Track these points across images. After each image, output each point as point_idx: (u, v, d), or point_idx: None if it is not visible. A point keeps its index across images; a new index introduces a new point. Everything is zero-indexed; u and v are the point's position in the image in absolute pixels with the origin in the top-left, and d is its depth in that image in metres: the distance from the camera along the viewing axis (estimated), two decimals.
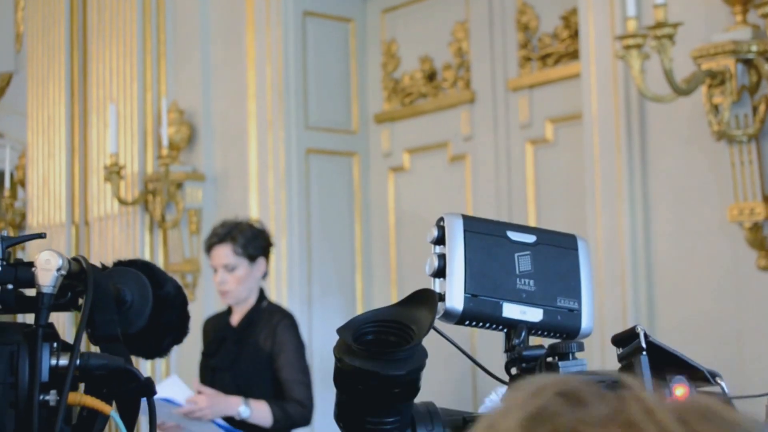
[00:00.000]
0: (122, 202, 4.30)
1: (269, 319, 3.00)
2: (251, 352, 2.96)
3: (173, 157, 4.23)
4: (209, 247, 3.05)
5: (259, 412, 2.85)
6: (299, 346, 2.99)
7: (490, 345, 3.33)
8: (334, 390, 0.97)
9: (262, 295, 3.06)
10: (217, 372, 3.00)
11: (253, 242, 3.01)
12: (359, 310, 4.16)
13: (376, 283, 4.23)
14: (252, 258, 3.00)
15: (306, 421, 2.93)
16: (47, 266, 0.91)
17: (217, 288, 3.06)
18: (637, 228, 2.99)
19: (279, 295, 3.96)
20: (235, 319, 3.06)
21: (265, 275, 3.08)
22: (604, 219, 3.05)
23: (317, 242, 4.14)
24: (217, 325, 3.11)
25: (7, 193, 5.03)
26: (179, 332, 1.10)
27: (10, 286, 0.94)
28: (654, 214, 2.97)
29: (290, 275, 4.03)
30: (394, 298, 4.08)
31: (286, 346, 2.95)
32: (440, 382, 3.48)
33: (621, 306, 2.97)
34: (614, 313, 2.97)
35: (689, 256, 2.89)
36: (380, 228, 4.24)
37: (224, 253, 2.99)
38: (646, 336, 0.82)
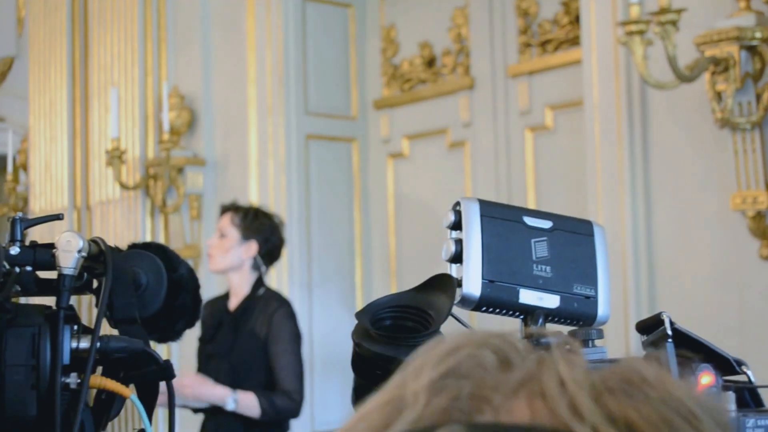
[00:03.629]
0: (123, 186, 4.29)
1: (266, 305, 2.99)
2: (247, 339, 2.96)
3: (174, 142, 4.22)
4: (220, 213, 3.11)
5: (246, 403, 2.87)
6: (295, 336, 2.98)
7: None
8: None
9: (259, 281, 3.04)
10: (213, 358, 2.99)
11: (252, 222, 3.01)
12: (359, 296, 4.16)
13: (375, 269, 4.23)
14: (245, 235, 3.00)
15: (294, 413, 2.94)
16: (68, 248, 0.91)
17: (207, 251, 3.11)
18: (639, 216, 2.99)
19: (279, 280, 3.96)
20: (233, 303, 3.05)
21: (257, 264, 3.02)
22: (604, 207, 3.05)
23: (317, 227, 4.14)
24: (214, 309, 3.10)
25: (9, 177, 5.01)
26: (192, 316, 1.11)
27: (28, 268, 0.93)
28: (656, 202, 2.98)
29: (290, 260, 4.02)
30: (394, 284, 4.09)
31: (281, 335, 2.95)
32: None
33: (622, 294, 2.98)
34: (615, 302, 2.95)
35: (691, 245, 2.90)
36: (379, 214, 4.24)
37: (224, 219, 3.05)
38: (671, 323, 0.82)
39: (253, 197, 4.01)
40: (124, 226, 4.36)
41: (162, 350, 4.15)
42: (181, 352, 4.11)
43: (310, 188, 4.14)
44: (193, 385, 2.85)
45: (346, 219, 4.22)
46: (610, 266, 3.18)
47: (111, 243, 1.05)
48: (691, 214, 2.89)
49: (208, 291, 3.72)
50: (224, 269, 3.04)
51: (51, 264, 0.93)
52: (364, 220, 4.25)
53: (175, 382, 3.15)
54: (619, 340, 2.83)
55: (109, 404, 0.96)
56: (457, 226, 1.05)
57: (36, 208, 4.79)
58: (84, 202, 4.63)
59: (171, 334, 1.09)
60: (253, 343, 2.95)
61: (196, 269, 3.82)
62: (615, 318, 2.92)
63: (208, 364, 2.99)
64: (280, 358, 2.92)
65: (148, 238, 4.26)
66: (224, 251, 3.00)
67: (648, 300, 2.96)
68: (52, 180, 4.74)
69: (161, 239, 4.29)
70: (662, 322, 0.83)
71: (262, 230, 3.02)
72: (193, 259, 4.16)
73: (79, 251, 0.92)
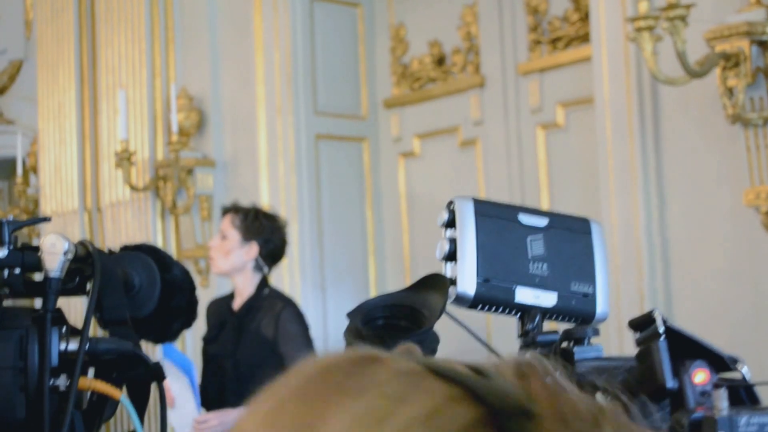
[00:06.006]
0: (133, 188, 4.30)
1: (271, 306, 2.99)
2: (252, 339, 2.96)
3: (183, 143, 4.22)
4: (222, 216, 3.12)
5: None
6: (305, 334, 2.98)
7: (507, 330, 3.32)
8: None
9: (264, 282, 3.04)
10: (217, 359, 2.99)
11: (253, 223, 3.01)
12: (372, 296, 4.15)
13: (388, 269, 4.22)
14: (246, 237, 2.99)
15: None
16: (53, 250, 0.90)
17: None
18: (652, 213, 2.96)
19: (292, 281, 3.96)
20: (237, 304, 3.05)
21: (259, 265, 3.01)
22: (618, 204, 3.03)
23: (328, 228, 4.13)
24: (218, 309, 3.10)
25: (19, 180, 5.03)
26: (188, 316, 1.10)
27: (17, 271, 0.93)
28: (668, 198, 2.95)
29: (302, 261, 4.02)
30: (408, 283, 4.06)
31: (291, 335, 2.94)
32: None
33: (637, 291, 2.95)
34: (630, 299, 2.95)
35: (704, 241, 2.87)
36: (391, 213, 4.22)
37: (225, 221, 3.05)
38: (663, 321, 0.80)
39: (263, 198, 4.01)
40: (135, 228, 4.37)
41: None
42: (197, 356, 4.11)
43: (321, 188, 4.13)
44: (219, 420, 2.85)
45: (358, 219, 4.21)
46: (624, 263, 3.14)
47: (122, 245, 1.05)
48: (704, 210, 2.86)
49: (216, 291, 3.73)
50: (226, 271, 3.04)
51: (39, 266, 0.92)
52: (376, 219, 4.24)
53: (200, 424, 3.14)
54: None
55: (101, 406, 0.95)
56: (451, 224, 1.04)
57: (47, 211, 4.81)
58: (94, 204, 4.64)
59: (167, 335, 1.08)
60: (258, 342, 2.95)
61: (209, 270, 3.81)
62: (630, 314, 2.88)
63: (214, 366, 2.99)
64: (292, 358, 2.92)
65: (159, 240, 4.27)
66: (225, 253, 3.00)
67: (663, 295, 2.93)
68: (62, 182, 4.76)
69: (172, 240, 4.30)
70: (654, 320, 0.81)
71: (263, 232, 3.01)
72: (206, 260, 4.16)
73: (65, 253, 0.91)
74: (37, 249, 0.92)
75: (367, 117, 4.27)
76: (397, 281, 4.13)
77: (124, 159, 4.20)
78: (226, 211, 3.08)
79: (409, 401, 0.44)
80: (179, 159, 4.17)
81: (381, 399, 0.44)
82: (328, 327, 4.01)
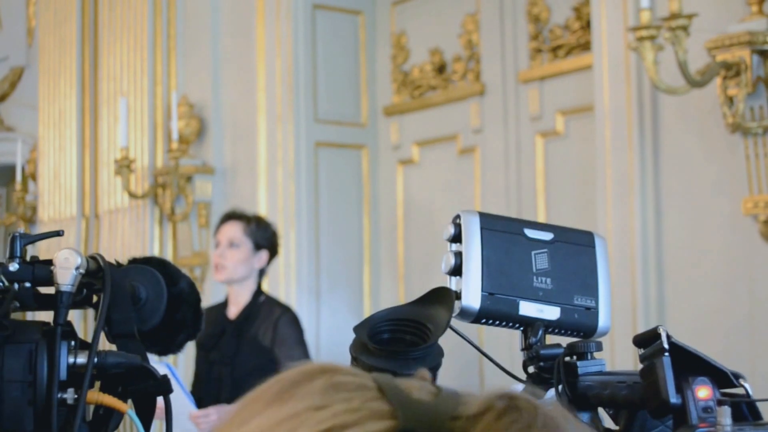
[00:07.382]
0: (132, 195, 4.30)
1: (269, 313, 3.03)
2: (250, 346, 3.00)
3: (183, 151, 4.23)
4: (222, 221, 3.12)
5: None
6: (301, 340, 3.03)
7: (499, 339, 3.32)
8: None
9: (259, 289, 3.09)
10: (215, 366, 3.02)
11: (263, 233, 3.07)
12: (367, 303, 4.16)
13: (384, 276, 4.22)
14: (257, 246, 3.04)
15: None
16: (66, 265, 0.91)
17: (214, 260, 3.09)
18: (649, 222, 2.97)
19: (287, 287, 3.96)
20: (233, 312, 3.08)
21: (262, 273, 3.10)
22: (615, 213, 3.04)
23: (325, 235, 4.14)
24: (212, 317, 3.11)
25: (18, 186, 5.05)
26: (193, 328, 1.11)
27: (27, 284, 0.94)
28: (666, 207, 2.96)
29: (298, 268, 4.03)
30: (402, 291, 4.08)
31: (288, 340, 2.99)
32: (446, 375, 3.47)
33: (631, 301, 2.96)
34: (624, 308, 2.95)
35: (702, 250, 2.88)
36: (389, 221, 4.23)
37: (234, 229, 3.05)
38: (668, 337, 0.81)
39: (261, 205, 4.02)
40: (133, 235, 4.38)
41: (170, 361, 4.15)
42: (188, 361, 4.12)
43: (319, 196, 4.14)
44: (219, 415, 2.87)
45: (355, 226, 4.22)
46: (618, 273, 3.15)
47: (119, 251, 1.06)
48: (702, 219, 2.87)
49: (211, 300, 3.73)
50: (236, 279, 3.06)
51: (50, 280, 0.93)
52: (373, 227, 4.25)
53: (200, 418, 3.15)
54: (629, 347, 2.81)
55: (107, 419, 0.96)
56: (456, 238, 1.05)
57: (45, 217, 4.82)
58: (92, 210, 4.65)
59: (172, 347, 1.09)
60: (256, 349, 2.99)
61: (204, 277, 3.84)
62: (624, 324, 2.90)
63: (210, 371, 3.02)
64: (286, 361, 2.96)
65: (156, 247, 4.28)
66: (238, 262, 3.03)
67: (657, 306, 2.94)
68: (60, 189, 4.77)
69: (169, 247, 4.31)
70: (659, 336, 0.82)
71: (271, 240, 3.09)
72: (201, 267, 4.17)
73: (77, 268, 0.92)
74: (47, 263, 0.93)
75: (366, 125, 4.28)
76: (392, 289, 4.14)
77: (124, 166, 4.21)
78: (231, 217, 3.10)
79: (328, 410, 0.46)
80: (178, 166, 4.18)
81: (303, 406, 0.47)
82: (321, 334, 4.02)
